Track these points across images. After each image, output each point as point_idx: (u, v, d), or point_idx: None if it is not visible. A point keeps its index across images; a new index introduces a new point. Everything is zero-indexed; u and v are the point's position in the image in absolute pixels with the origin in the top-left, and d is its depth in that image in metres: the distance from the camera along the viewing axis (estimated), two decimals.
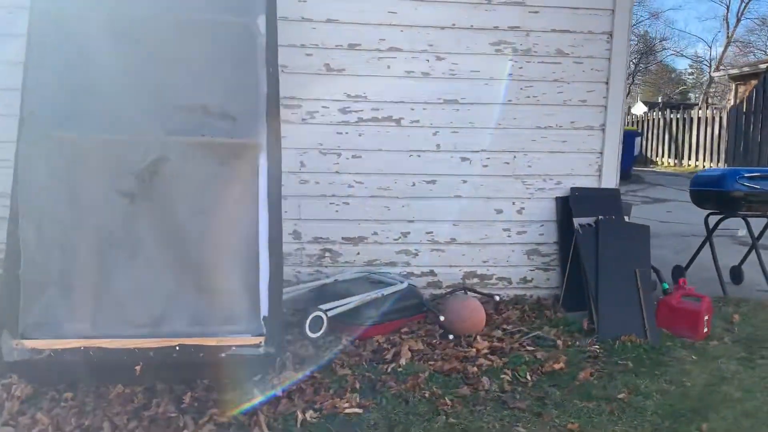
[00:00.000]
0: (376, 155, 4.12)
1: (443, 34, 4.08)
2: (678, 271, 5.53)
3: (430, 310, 3.82)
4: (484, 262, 4.34)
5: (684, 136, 20.87)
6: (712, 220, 5.47)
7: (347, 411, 2.81)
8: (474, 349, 3.47)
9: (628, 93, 32.41)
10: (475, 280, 4.35)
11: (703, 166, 19.58)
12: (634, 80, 31.20)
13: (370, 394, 2.98)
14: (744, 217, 5.22)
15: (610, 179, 4.33)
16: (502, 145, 4.24)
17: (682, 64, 57.80)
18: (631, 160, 14.74)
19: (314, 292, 3.86)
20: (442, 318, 3.63)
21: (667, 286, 4.22)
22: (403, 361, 3.29)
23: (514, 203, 4.31)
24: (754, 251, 5.33)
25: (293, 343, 3.41)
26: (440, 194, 4.23)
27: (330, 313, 3.42)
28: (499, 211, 4.30)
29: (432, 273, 4.30)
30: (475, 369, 3.25)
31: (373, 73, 4.05)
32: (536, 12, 4.14)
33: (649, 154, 23.04)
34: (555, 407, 2.93)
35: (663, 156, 22.08)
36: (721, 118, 18.95)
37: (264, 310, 2.58)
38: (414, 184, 4.20)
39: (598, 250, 4.01)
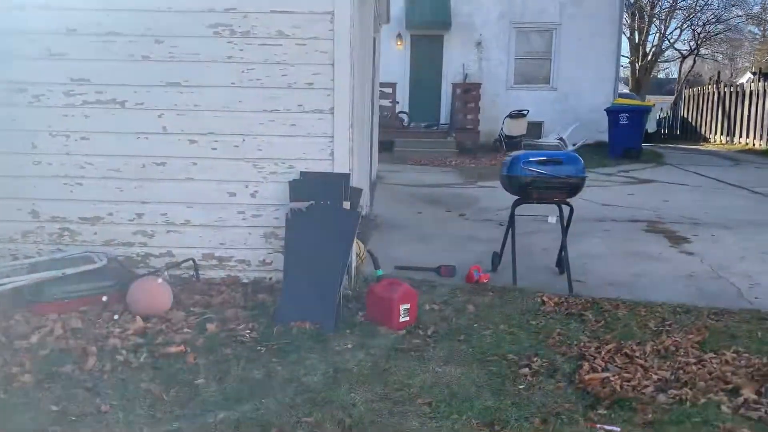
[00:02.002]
0: (104, 137, 4.26)
1: (160, 17, 4.12)
2: (495, 258, 5.33)
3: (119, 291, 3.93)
4: (222, 244, 4.39)
5: (736, 112, 19.31)
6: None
7: None
8: (120, 329, 3.58)
9: (694, 65, 29.88)
10: (214, 262, 4.41)
11: (753, 145, 18.10)
12: (698, 52, 28.80)
13: None
14: (560, 204, 4.97)
15: (343, 163, 4.23)
16: (230, 129, 4.24)
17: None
18: (640, 137, 13.84)
19: (26, 269, 4.07)
20: (104, 298, 3.76)
21: (380, 273, 4.10)
22: (34, 339, 3.45)
23: (247, 186, 4.31)
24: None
25: None
26: (171, 176, 4.31)
27: None
28: (233, 194, 4.33)
29: (170, 254, 4.40)
30: (94, 348, 3.36)
31: (94, 57, 4.16)
32: None
33: (702, 131, 21.54)
34: (117, 390, 3.00)
35: (716, 133, 20.54)
36: None
37: None
38: (144, 166, 4.30)
39: (298, 235, 3.96)
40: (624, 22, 31.00)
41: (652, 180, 11.33)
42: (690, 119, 22.69)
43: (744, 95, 18.75)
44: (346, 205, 4.11)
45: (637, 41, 30.46)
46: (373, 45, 9.88)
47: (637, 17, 30.15)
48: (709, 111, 21.08)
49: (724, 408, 3.01)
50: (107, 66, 4.17)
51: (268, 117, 4.21)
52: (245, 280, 4.37)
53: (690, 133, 22.40)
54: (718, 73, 23.43)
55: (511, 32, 17.08)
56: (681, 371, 3.40)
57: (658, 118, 24.97)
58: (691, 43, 27.79)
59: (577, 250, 6.22)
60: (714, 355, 3.61)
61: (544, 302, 4.39)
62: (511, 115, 14.70)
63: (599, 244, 6.46)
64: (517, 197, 4.96)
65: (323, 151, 4.24)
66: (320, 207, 4.04)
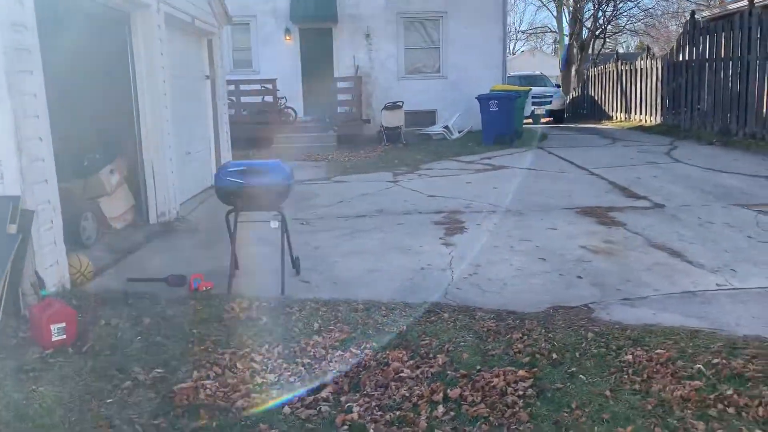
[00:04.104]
0: None
1: None
2: (233, 264, 5.46)
3: None
4: None
5: (631, 89, 19.81)
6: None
7: None
8: None
9: (604, 43, 30.08)
10: None
11: (645, 121, 18.59)
12: (605, 29, 29.14)
13: None
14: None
15: (14, 186, 4.30)
16: None
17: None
18: (512, 123, 14.10)
19: None
20: None
21: (45, 293, 4.20)
22: None
23: None
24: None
25: None
26: None
27: None
28: None
29: None
30: None
31: None
32: None
33: (606, 109, 22.04)
34: None
35: (617, 110, 21.06)
36: (657, 68, 17.84)
37: None
38: None
39: None
40: None
41: (507, 166, 11.56)
42: (596, 97, 23.16)
43: (637, 73, 19.22)
44: (12, 228, 4.19)
45: (571, 17, 30.20)
46: (207, 46, 9.95)
47: None
48: (611, 89, 21.57)
49: (286, 408, 3.20)
50: None
51: None
52: None
53: (597, 111, 22.89)
54: (617, 51, 23.87)
55: (398, 22, 17.20)
56: (288, 372, 3.58)
57: (566, 98, 25.43)
58: (601, 21, 28.13)
59: (348, 246, 6.42)
60: (341, 352, 3.80)
61: (233, 308, 4.54)
62: (386, 107, 14.86)
63: (376, 239, 6.64)
64: (231, 207, 5.09)
65: None
66: None
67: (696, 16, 16.36)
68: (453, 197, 8.85)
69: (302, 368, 3.61)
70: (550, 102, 22.08)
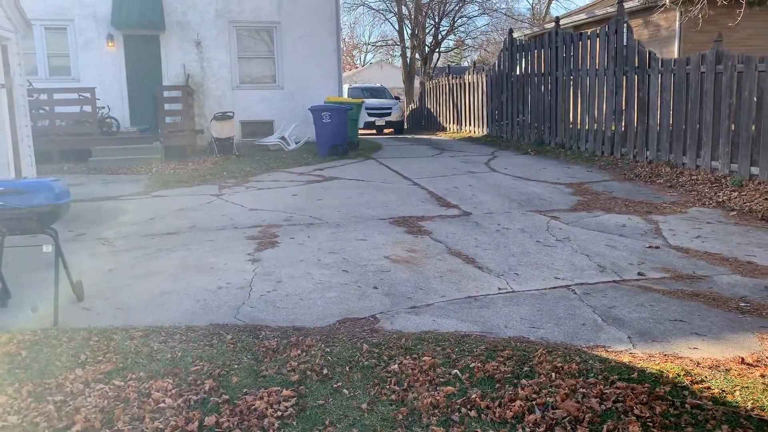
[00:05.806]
0: None
1: None
2: (3, 293, 4.94)
3: None
4: None
5: (462, 102, 20.83)
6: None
7: None
8: None
9: (439, 57, 31.59)
10: None
11: (474, 132, 19.59)
12: (439, 46, 30.60)
13: None
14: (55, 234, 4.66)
15: None
16: None
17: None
18: (345, 134, 14.26)
19: None
20: None
21: None
22: None
23: None
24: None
25: None
26: None
27: None
28: None
29: None
30: None
31: None
32: None
33: (441, 120, 22.98)
34: None
35: (450, 122, 22.03)
36: (483, 82, 18.87)
37: None
38: None
39: None
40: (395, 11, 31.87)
41: (336, 177, 11.61)
42: (432, 110, 24.15)
43: (466, 87, 20.27)
44: None
45: (411, 32, 30.83)
46: (0, 53, 9.06)
47: (412, 7, 30.52)
48: (444, 102, 22.59)
49: None
50: None
51: None
52: None
53: (433, 122, 23.86)
54: (449, 65, 25.05)
55: (230, 31, 16.82)
56: (35, 412, 3.26)
57: (406, 109, 26.31)
58: (439, 38, 29.42)
59: (145, 268, 6.06)
60: (103, 386, 3.53)
61: None
62: (215, 117, 14.46)
63: (178, 258, 6.34)
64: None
65: None
66: None
67: (514, 35, 17.58)
68: (275, 210, 8.72)
69: (51, 407, 3.30)
70: (390, 113, 22.71)
